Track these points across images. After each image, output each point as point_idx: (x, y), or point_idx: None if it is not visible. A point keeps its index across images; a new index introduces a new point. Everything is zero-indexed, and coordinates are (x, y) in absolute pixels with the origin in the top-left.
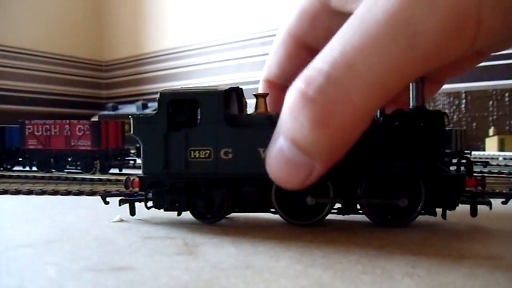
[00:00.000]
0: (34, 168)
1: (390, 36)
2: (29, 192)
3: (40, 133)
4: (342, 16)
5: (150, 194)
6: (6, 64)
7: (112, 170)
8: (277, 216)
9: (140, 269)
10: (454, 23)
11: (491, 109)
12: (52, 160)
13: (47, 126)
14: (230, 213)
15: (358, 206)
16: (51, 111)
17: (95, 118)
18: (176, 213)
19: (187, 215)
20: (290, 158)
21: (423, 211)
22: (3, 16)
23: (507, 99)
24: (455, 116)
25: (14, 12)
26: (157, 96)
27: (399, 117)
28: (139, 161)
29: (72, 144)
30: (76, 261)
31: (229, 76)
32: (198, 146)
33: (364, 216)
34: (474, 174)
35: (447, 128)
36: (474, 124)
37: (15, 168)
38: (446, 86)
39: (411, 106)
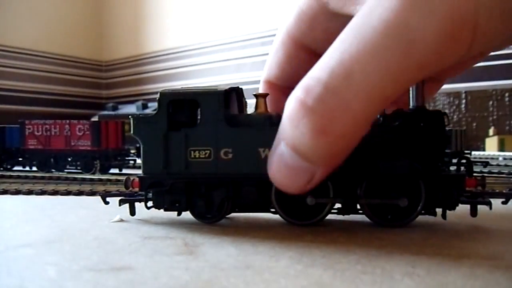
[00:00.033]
0: (34, 168)
1: (387, 45)
2: (29, 192)
3: (40, 133)
4: (341, 17)
5: (150, 194)
6: (6, 64)
7: (112, 170)
8: (277, 216)
9: (140, 269)
10: (450, 30)
11: (491, 109)
12: (52, 160)
13: (47, 126)
14: (230, 213)
15: (358, 206)
16: (51, 111)
17: (95, 118)
18: (176, 213)
19: (187, 215)
20: (291, 164)
21: (423, 211)
22: (3, 16)
23: (507, 99)
24: (455, 116)
25: (14, 12)
26: (157, 96)
27: (399, 117)
28: (139, 161)
29: (72, 144)
30: (76, 261)
31: (229, 76)
32: (198, 146)
33: (364, 216)
34: (474, 174)
35: (447, 128)
36: (474, 124)
37: (15, 168)
38: (446, 86)
39: (411, 106)
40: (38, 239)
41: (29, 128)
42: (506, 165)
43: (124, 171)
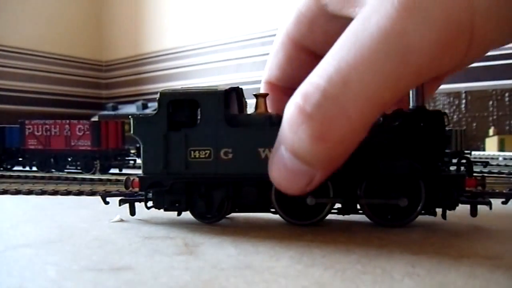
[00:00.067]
0: (34, 168)
1: (384, 52)
2: (29, 192)
3: (40, 133)
4: (340, 19)
5: (150, 194)
6: (6, 64)
7: (112, 170)
8: (277, 216)
9: (140, 269)
10: (446, 38)
11: (491, 109)
12: (52, 160)
13: (47, 126)
14: (230, 213)
15: (358, 206)
16: (51, 111)
17: (95, 118)
18: (176, 213)
19: (187, 215)
20: (291, 167)
21: (423, 211)
22: (3, 16)
23: (507, 99)
24: (455, 116)
25: (14, 12)
26: (157, 96)
27: (399, 117)
28: (139, 161)
29: (72, 144)
30: (76, 261)
31: (229, 76)
32: (198, 146)
33: (364, 216)
34: (474, 174)
35: (447, 128)
36: (474, 124)
37: (15, 168)
38: (446, 86)
39: (411, 106)
40: (38, 239)
41: (29, 128)
42: (506, 165)
43: (124, 171)
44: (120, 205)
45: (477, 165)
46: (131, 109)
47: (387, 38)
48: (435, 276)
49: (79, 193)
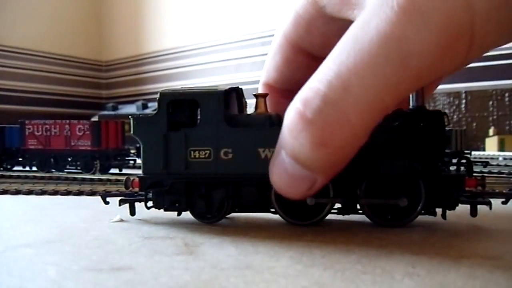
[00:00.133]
0: (34, 168)
1: (384, 56)
2: (29, 192)
3: (40, 133)
4: (338, 21)
5: (150, 194)
6: (6, 64)
7: (112, 170)
8: (277, 216)
9: (140, 269)
10: (446, 42)
11: (491, 109)
12: (52, 160)
13: (47, 126)
14: (230, 213)
15: (358, 206)
16: (51, 111)
17: (95, 118)
18: (176, 213)
19: (187, 215)
20: (292, 172)
21: (423, 211)
22: (3, 16)
23: (507, 99)
24: (455, 116)
25: (14, 12)
26: (157, 96)
27: (399, 117)
28: (139, 161)
29: (72, 144)
30: (76, 261)
31: (229, 76)
32: (198, 146)
33: (364, 216)
34: (474, 174)
35: (447, 128)
36: (474, 124)
37: (15, 168)
38: (446, 86)
39: (411, 106)
40: (38, 239)
41: (29, 128)
42: (506, 165)
43: (124, 171)
44: (120, 205)
45: (477, 165)
46: (131, 109)
47: (387, 42)
48: (435, 276)
49: (79, 193)
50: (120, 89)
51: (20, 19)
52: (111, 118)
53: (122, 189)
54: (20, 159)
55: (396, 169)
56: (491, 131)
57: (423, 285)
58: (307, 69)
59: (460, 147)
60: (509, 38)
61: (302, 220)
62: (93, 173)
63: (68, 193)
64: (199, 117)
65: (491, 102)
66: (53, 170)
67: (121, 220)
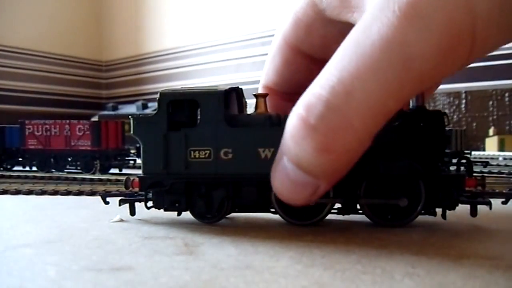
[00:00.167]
0: (34, 168)
1: (386, 61)
2: (29, 192)
3: (40, 133)
4: (338, 24)
5: (150, 194)
6: (6, 64)
7: (112, 170)
8: (277, 216)
9: (140, 269)
10: (448, 45)
11: (491, 109)
12: (52, 160)
13: (47, 126)
14: (230, 213)
15: (358, 206)
16: (51, 111)
17: (95, 118)
18: (176, 213)
19: (187, 215)
20: (295, 178)
21: (423, 211)
22: (3, 16)
23: (507, 99)
24: (455, 116)
25: (14, 12)
26: (157, 96)
27: (399, 117)
28: (139, 161)
29: (72, 144)
30: (76, 261)
31: (229, 76)
32: (198, 146)
33: (364, 216)
34: (474, 174)
35: (447, 128)
36: (474, 124)
37: (15, 168)
38: (446, 86)
39: (411, 106)
40: (38, 239)
41: (29, 128)
42: (506, 165)
43: (124, 171)
44: (120, 205)
45: (477, 165)
46: (131, 109)
47: (389, 46)
48: (435, 276)
49: (79, 193)
50: (120, 89)
51: (20, 19)
52: (111, 118)
53: (122, 189)
54: (20, 159)
55: (396, 169)
56: (491, 131)
57: (423, 285)
58: (307, 71)
59: (460, 147)
60: (510, 39)
61: (302, 220)
62: (93, 173)
63: (68, 193)
64: (199, 117)
65: (491, 102)
66: (53, 170)
67: (121, 220)
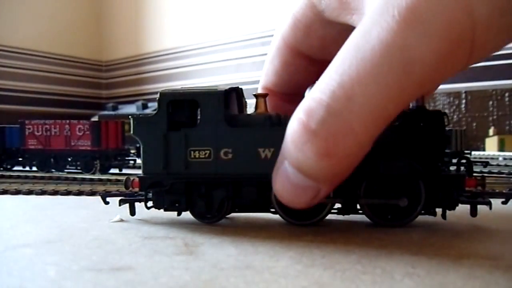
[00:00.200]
0: (34, 168)
1: (386, 65)
2: (29, 192)
3: (40, 133)
4: (337, 25)
5: (150, 194)
6: (6, 64)
7: (112, 170)
8: (277, 216)
9: (140, 269)
10: (448, 47)
11: (491, 109)
12: (52, 160)
13: (47, 126)
14: (230, 213)
15: (358, 206)
16: (51, 111)
17: (95, 118)
18: (176, 213)
19: (187, 215)
20: (296, 182)
21: (423, 211)
22: (3, 16)
23: (507, 99)
24: (455, 116)
25: (14, 12)
26: (157, 96)
27: (399, 117)
28: (139, 161)
29: (72, 144)
30: (76, 261)
31: (229, 76)
32: (198, 146)
33: (364, 216)
34: (474, 174)
35: (447, 128)
36: (474, 124)
37: (15, 168)
38: (446, 86)
39: (411, 106)
40: (38, 239)
41: (29, 128)
42: (506, 165)
43: (124, 171)
44: (120, 205)
45: (477, 165)
46: (131, 109)
47: (389, 51)
48: (435, 276)
49: (79, 193)
50: (120, 89)
51: (20, 19)
52: (111, 118)
53: (122, 189)
54: (20, 159)
55: (396, 169)
56: (491, 131)
57: (423, 285)
58: (306, 72)
59: (460, 147)
60: (510, 41)
61: (302, 220)
62: (93, 173)
63: (68, 193)
64: (199, 117)
65: (491, 102)
66: (53, 170)
67: (121, 220)
